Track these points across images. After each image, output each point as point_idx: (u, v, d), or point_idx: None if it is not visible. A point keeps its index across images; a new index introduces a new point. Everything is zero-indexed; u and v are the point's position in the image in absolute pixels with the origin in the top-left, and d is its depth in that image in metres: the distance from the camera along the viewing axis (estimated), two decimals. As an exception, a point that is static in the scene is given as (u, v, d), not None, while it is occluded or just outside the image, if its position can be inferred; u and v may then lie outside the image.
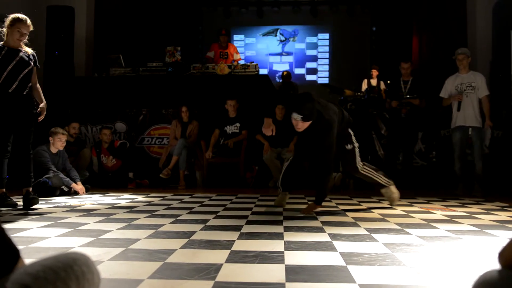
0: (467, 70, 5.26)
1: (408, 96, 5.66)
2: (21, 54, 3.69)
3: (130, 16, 9.54)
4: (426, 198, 4.62)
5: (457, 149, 5.28)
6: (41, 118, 3.81)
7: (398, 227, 2.70)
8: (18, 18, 3.60)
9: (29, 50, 3.79)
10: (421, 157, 6.41)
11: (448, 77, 5.42)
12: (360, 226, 2.72)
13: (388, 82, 6.10)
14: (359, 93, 7.02)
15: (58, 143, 4.87)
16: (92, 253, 1.89)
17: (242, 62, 7.60)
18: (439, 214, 3.40)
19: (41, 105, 3.81)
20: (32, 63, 3.78)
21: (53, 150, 4.90)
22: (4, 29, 3.65)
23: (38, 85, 3.92)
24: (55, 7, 7.00)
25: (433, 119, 6.35)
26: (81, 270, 0.93)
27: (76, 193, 4.79)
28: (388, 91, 6.13)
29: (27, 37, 3.71)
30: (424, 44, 9.78)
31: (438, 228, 2.69)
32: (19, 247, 0.94)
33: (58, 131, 4.89)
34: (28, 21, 3.65)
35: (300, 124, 3.21)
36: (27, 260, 0.97)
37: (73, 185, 4.79)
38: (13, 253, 0.91)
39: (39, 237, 2.32)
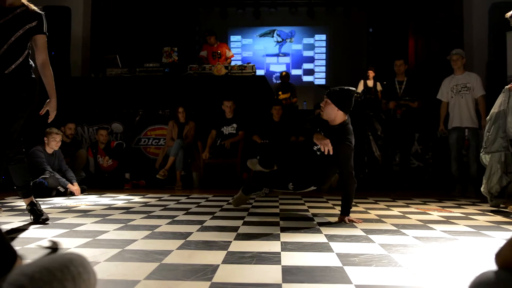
0: (462, 71, 5.28)
1: (407, 98, 5.67)
2: (16, 12, 2.56)
3: (127, 17, 9.53)
4: (423, 199, 4.63)
5: (453, 150, 5.31)
6: (50, 119, 2.85)
7: (395, 228, 2.71)
8: None
9: (33, 7, 2.65)
10: (417, 158, 6.43)
11: (444, 78, 5.45)
12: (356, 227, 2.72)
13: (385, 83, 6.12)
14: (355, 94, 7.03)
15: (53, 143, 4.85)
16: (89, 254, 1.89)
17: (238, 62, 7.60)
18: (435, 215, 3.41)
19: (49, 102, 2.77)
20: (33, 26, 2.60)
21: (49, 150, 4.89)
22: None
23: (48, 66, 2.71)
24: (52, 7, 6.97)
25: (429, 120, 6.37)
26: (77, 270, 0.93)
27: (72, 194, 4.78)
28: (384, 92, 6.15)
29: None
30: (420, 45, 9.80)
31: (434, 229, 2.70)
32: (16, 248, 0.94)
33: (52, 131, 4.86)
34: None
35: (327, 107, 3.11)
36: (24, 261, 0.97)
37: (69, 185, 4.77)
38: (11, 254, 0.91)
39: (35, 238, 2.31)
